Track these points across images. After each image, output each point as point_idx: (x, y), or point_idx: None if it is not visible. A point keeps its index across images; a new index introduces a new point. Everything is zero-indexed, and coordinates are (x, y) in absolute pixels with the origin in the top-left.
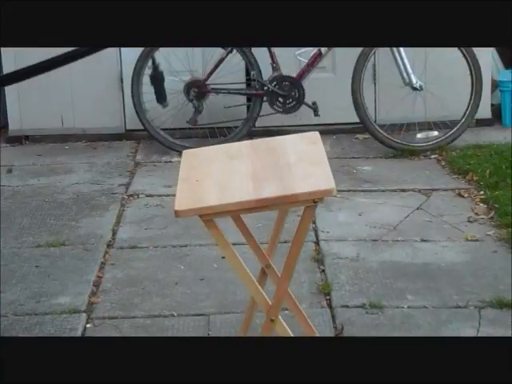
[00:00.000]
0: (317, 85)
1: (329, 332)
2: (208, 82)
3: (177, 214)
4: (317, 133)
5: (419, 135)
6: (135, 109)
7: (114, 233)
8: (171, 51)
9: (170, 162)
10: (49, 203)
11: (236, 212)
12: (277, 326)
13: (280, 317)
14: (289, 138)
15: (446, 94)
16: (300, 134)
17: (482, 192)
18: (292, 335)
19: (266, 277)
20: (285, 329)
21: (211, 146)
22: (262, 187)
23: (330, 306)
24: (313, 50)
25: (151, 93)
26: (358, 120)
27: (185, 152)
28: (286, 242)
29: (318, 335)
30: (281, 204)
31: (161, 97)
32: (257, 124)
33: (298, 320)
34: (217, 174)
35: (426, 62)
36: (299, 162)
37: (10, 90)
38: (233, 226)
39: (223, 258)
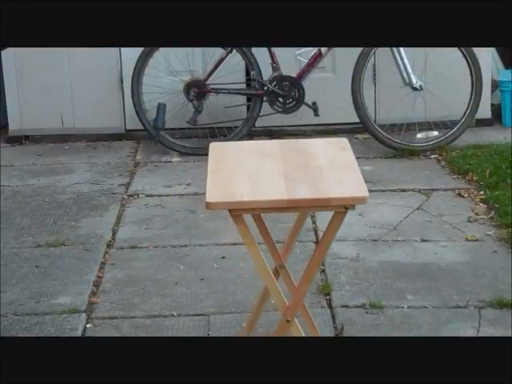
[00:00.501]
0: (317, 85)
1: (329, 332)
2: (208, 82)
3: (208, 206)
4: (345, 139)
5: (419, 135)
6: (135, 109)
7: (114, 233)
8: (171, 51)
9: (170, 162)
10: (49, 203)
11: (267, 210)
12: (292, 327)
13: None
14: (317, 142)
15: (446, 94)
16: (328, 139)
17: (482, 192)
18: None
19: (277, 276)
20: (299, 330)
21: (238, 142)
22: (295, 188)
23: (329, 305)
24: (313, 50)
25: (151, 93)
26: (358, 120)
27: (212, 144)
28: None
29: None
30: (312, 207)
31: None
32: (257, 124)
33: (303, 320)
34: (247, 170)
35: (426, 62)
36: (331, 166)
37: (10, 90)
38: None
39: (223, 258)
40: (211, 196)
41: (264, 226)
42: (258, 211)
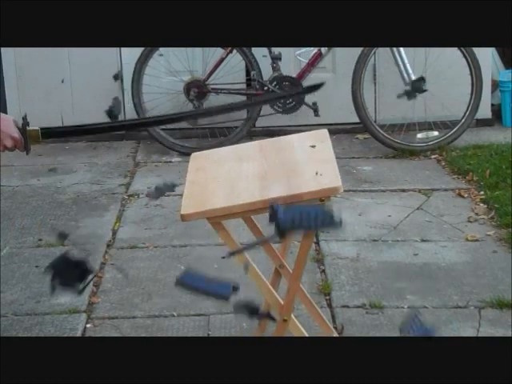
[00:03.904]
0: None
1: None
2: (208, 82)
3: (183, 217)
4: (325, 130)
5: (419, 135)
6: (135, 109)
7: (114, 233)
8: (171, 51)
9: (170, 162)
10: (49, 203)
11: (243, 214)
12: (290, 325)
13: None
14: (297, 137)
15: (446, 94)
16: (308, 132)
17: (482, 192)
18: (307, 335)
19: (279, 277)
20: (298, 328)
21: (220, 148)
22: (269, 188)
23: (329, 305)
24: (313, 50)
25: (151, 93)
26: (358, 120)
27: (193, 155)
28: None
29: (336, 335)
30: (287, 204)
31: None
32: (257, 124)
33: (314, 319)
34: (225, 176)
35: (426, 62)
36: (307, 160)
37: (9, 90)
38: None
39: (223, 258)
40: (186, 207)
41: (256, 226)
42: (234, 216)
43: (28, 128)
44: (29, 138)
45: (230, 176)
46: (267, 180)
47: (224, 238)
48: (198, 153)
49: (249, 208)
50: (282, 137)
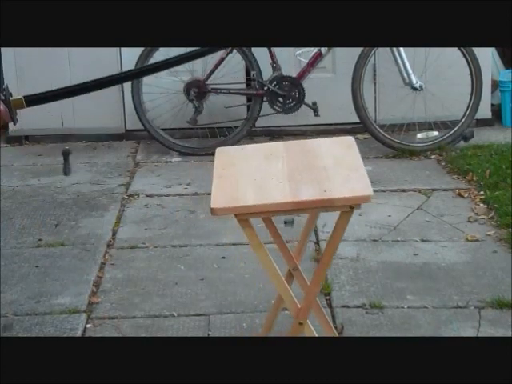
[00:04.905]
0: (317, 85)
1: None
2: (208, 82)
3: (213, 211)
4: (351, 137)
5: (419, 135)
6: (135, 109)
7: (114, 233)
8: (171, 51)
9: (170, 162)
10: (49, 203)
11: (272, 213)
12: (305, 329)
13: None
14: (323, 141)
15: (446, 94)
16: (334, 138)
17: (481, 192)
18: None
19: (292, 279)
20: (312, 332)
21: (244, 145)
22: (300, 189)
23: (330, 305)
24: (313, 50)
25: (151, 93)
26: (358, 120)
27: (218, 149)
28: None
29: (337, 336)
30: (317, 207)
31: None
32: (257, 124)
33: (318, 321)
34: (252, 173)
35: (426, 62)
36: (336, 166)
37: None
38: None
39: (223, 258)
40: (216, 201)
41: (275, 228)
42: (263, 215)
43: (11, 98)
44: (14, 108)
45: (258, 174)
46: (296, 181)
47: (249, 235)
48: (223, 148)
49: (280, 208)
50: (307, 140)
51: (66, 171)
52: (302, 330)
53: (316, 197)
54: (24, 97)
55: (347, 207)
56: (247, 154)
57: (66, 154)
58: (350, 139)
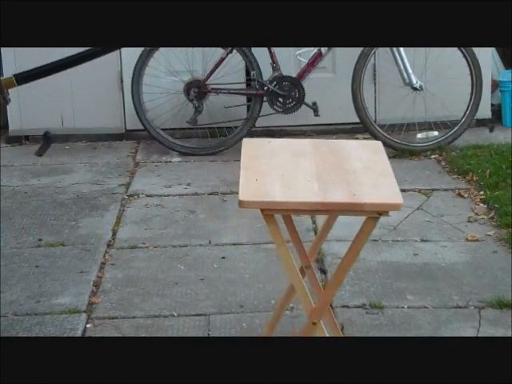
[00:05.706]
0: (317, 85)
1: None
2: (208, 82)
3: (241, 204)
4: (380, 142)
5: (419, 135)
6: (135, 109)
7: (114, 233)
8: (171, 51)
9: (170, 162)
10: (49, 203)
11: (299, 211)
12: (318, 329)
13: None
14: (351, 143)
15: (446, 94)
16: (362, 141)
17: (481, 192)
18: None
19: (303, 276)
20: (324, 333)
21: (270, 139)
22: (328, 190)
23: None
24: (313, 50)
25: (151, 93)
26: (358, 120)
27: (245, 140)
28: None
29: (341, 335)
30: (345, 211)
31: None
32: (257, 124)
33: (325, 321)
34: (280, 169)
35: (426, 61)
36: (365, 170)
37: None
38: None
39: (223, 258)
40: (244, 195)
41: (293, 226)
42: (289, 212)
43: (2, 78)
44: (4, 87)
45: (285, 169)
46: (325, 181)
47: (273, 231)
48: (249, 139)
49: (308, 208)
50: (335, 140)
51: (41, 152)
52: (314, 330)
53: (345, 199)
54: (14, 75)
55: (375, 213)
56: (273, 148)
57: (46, 137)
58: (378, 144)
